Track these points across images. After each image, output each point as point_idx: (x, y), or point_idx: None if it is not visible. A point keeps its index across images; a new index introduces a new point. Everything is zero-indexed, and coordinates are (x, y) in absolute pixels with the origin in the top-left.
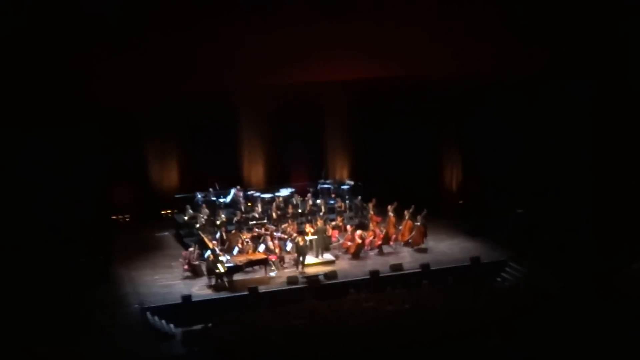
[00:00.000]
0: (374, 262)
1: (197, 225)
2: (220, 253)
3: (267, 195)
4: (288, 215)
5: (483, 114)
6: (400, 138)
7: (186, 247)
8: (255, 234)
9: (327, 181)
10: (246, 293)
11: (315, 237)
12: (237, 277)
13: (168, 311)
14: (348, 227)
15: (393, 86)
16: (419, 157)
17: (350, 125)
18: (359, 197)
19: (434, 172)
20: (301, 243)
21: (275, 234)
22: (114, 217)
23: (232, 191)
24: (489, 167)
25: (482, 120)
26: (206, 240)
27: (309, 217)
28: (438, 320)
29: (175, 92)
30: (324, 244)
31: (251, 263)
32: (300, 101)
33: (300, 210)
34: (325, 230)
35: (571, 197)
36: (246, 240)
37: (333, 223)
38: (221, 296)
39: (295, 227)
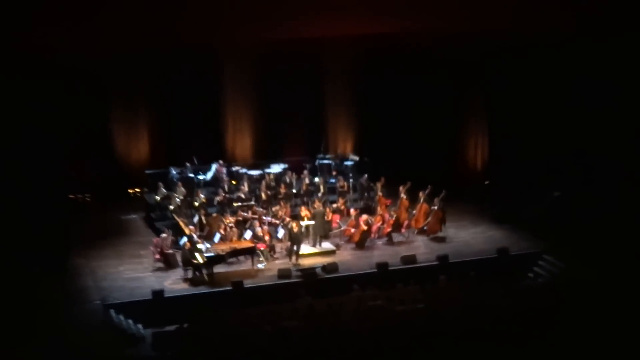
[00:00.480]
0: (382, 253)
1: (171, 207)
2: (199, 240)
3: (256, 172)
4: (280, 196)
5: (515, 78)
6: (414, 106)
7: (158, 232)
8: (241, 218)
9: (327, 156)
10: (229, 288)
11: (313, 222)
12: (219, 269)
13: (136, 309)
14: (351, 210)
15: (407, 44)
16: (437, 128)
17: (356, 90)
18: (365, 176)
19: (454, 147)
20: (295, 229)
21: (264, 218)
22: (72, 196)
23: (214, 166)
24: (520, 142)
25: (514, 86)
26: (182, 224)
27: (305, 199)
28: (457, 322)
29: (145, 46)
30: (323, 231)
31: (235, 252)
32: (297, 61)
33: (294, 191)
34: (324, 215)
35: (619, 177)
36: (230, 225)
37: (334, 206)
38: (199, 292)
39: (289, 210)
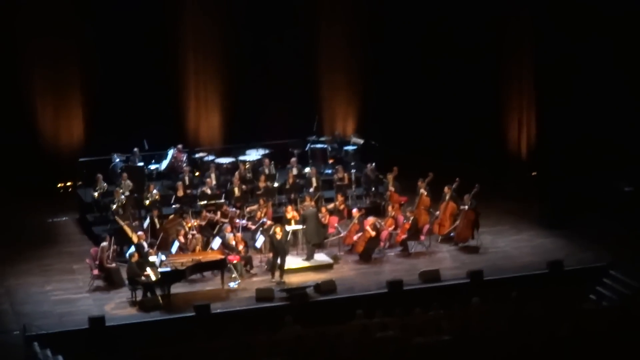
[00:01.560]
0: (394, 267)
1: (114, 207)
2: (151, 251)
3: (226, 160)
4: (258, 192)
5: (576, 34)
6: (435, 73)
7: (96, 240)
8: (207, 220)
9: (322, 138)
10: (192, 314)
11: (302, 226)
12: (177, 288)
13: (67, 342)
14: (354, 211)
15: None
16: (466, 102)
17: (359, 51)
18: (372, 165)
19: (490, 127)
20: (279, 236)
21: (237, 221)
22: None
23: (170, 152)
24: (579, 121)
25: (571, 46)
26: (128, 230)
27: (293, 196)
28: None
29: None
30: (316, 238)
31: (200, 267)
32: (281, 11)
33: (277, 184)
34: (317, 216)
35: None
36: (192, 230)
37: (330, 205)
38: (151, 319)
39: (270, 210)
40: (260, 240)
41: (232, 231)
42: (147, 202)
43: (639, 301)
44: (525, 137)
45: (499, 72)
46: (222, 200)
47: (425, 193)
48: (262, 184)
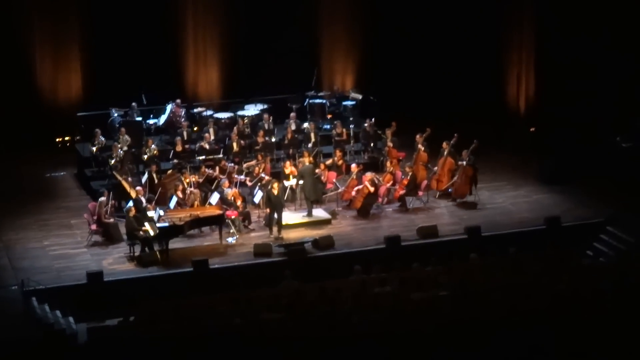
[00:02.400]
0: (392, 223)
1: (112, 162)
2: (149, 206)
3: (224, 115)
4: (257, 147)
5: None
6: (434, 23)
7: (94, 195)
8: (205, 176)
9: (320, 93)
10: (189, 269)
11: (300, 182)
12: (175, 243)
13: (65, 297)
14: (352, 166)
15: None
16: (465, 55)
17: (360, 4)
18: (370, 120)
19: (487, 79)
20: (275, 191)
21: (236, 176)
22: None
23: (169, 107)
24: (580, 72)
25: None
26: (126, 184)
27: (291, 151)
28: (492, 313)
29: None
30: (314, 194)
31: (198, 222)
32: None
33: (275, 139)
34: (315, 172)
35: None
36: (190, 186)
37: (329, 161)
38: (149, 274)
39: (269, 166)
40: (258, 196)
41: (230, 186)
42: (146, 157)
43: (635, 257)
44: (524, 93)
45: (499, 26)
46: (221, 156)
47: (423, 149)
48: (260, 139)
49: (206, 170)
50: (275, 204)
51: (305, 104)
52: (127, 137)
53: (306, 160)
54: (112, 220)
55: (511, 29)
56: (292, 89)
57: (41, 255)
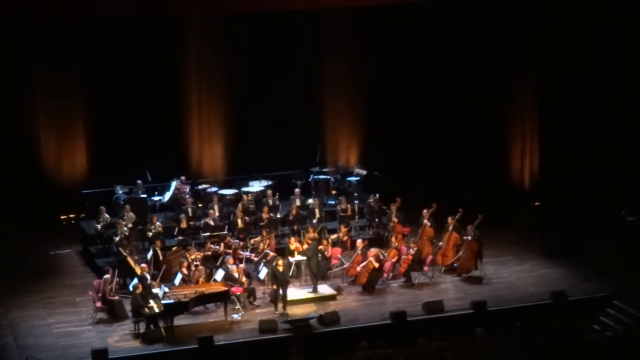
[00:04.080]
0: (398, 298)
1: (117, 239)
2: (154, 283)
3: (229, 192)
4: (262, 224)
5: (579, 64)
6: (440, 102)
7: (99, 273)
8: (210, 252)
9: (324, 169)
10: (195, 346)
11: (305, 257)
12: (181, 320)
13: None
14: (357, 242)
15: (429, 13)
16: (470, 130)
17: (362, 80)
18: (375, 195)
19: (492, 155)
20: (281, 268)
21: (241, 252)
22: None
23: (174, 184)
24: (583, 147)
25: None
26: (131, 262)
27: (296, 227)
28: None
29: (80, 15)
30: (319, 270)
31: (203, 299)
32: (284, 41)
33: (280, 216)
34: (320, 248)
35: None
36: (195, 262)
37: (333, 236)
38: (155, 351)
39: (273, 242)
40: (263, 272)
41: (234, 263)
42: (150, 233)
43: None
44: (528, 167)
45: (502, 102)
46: (225, 232)
47: (429, 224)
48: (265, 215)
49: (211, 246)
50: (280, 280)
51: (309, 179)
52: (131, 214)
53: (312, 237)
54: (116, 297)
55: (514, 107)
56: (296, 165)
57: (45, 333)
